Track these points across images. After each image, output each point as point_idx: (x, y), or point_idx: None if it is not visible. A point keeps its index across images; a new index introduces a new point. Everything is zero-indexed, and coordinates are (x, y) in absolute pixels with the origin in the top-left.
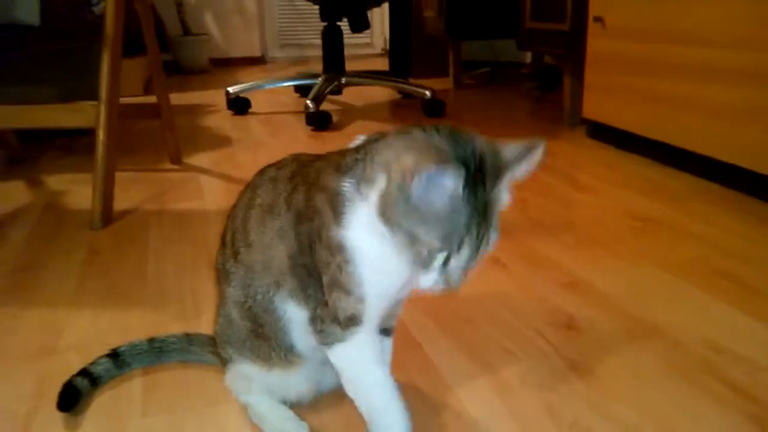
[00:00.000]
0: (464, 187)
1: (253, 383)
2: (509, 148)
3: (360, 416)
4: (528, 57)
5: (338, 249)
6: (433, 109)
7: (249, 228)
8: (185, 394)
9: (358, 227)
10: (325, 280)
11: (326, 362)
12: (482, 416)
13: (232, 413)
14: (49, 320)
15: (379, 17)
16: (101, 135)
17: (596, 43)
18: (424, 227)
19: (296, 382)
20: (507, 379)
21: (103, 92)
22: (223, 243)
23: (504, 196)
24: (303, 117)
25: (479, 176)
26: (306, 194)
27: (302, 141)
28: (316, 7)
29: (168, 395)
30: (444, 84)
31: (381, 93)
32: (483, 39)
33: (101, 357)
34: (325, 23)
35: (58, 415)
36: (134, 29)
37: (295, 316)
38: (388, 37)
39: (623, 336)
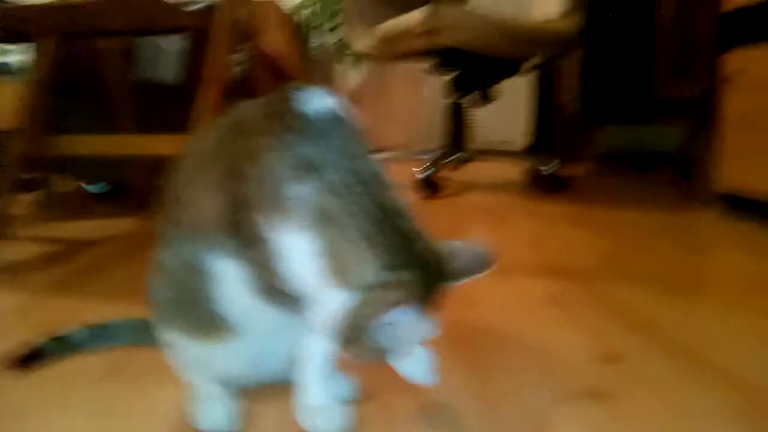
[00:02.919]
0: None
1: (182, 358)
2: (456, 254)
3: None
4: (671, 145)
5: None
6: (553, 186)
7: (188, 183)
8: (150, 369)
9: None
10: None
11: (270, 340)
12: None
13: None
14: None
15: (524, 114)
16: None
17: (734, 101)
18: None
19: (226, 358)
20: (500, 393)
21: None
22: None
23: None
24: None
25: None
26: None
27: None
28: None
29: (132, 368)
30: (582, 171)
31: (505, 172)
32: (623, 124)
33: (84, 326)
34: (451, 99)
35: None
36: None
37: (227, 274)
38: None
39: (672, 371)
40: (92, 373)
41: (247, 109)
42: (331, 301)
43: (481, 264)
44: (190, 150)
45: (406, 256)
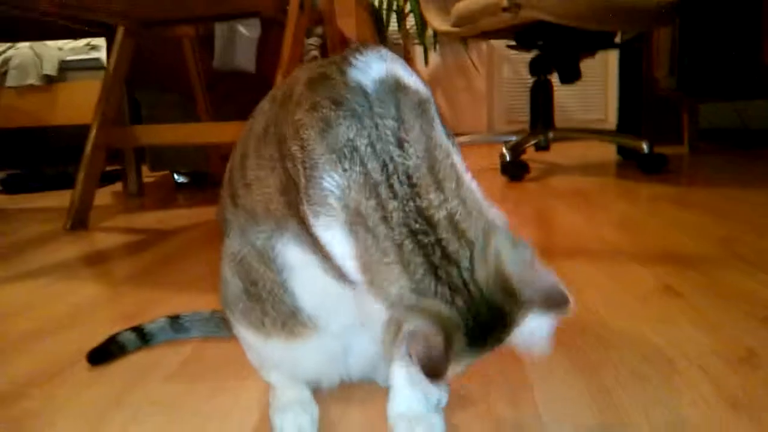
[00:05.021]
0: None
1: (262, 357)
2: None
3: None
4: None
5: None
6: (652, 166)
7: (246, 165)
8: (217, 366)
9: None
10: None
11: (353, 335)
12: None
13: (252, 389)
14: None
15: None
16: None
17: None
18: None
19: (304, 357)
20: (626, 404)
21: None
22: (222, 188)
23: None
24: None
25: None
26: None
27: (496, 190)
28: None
29: (200, 366)
30: (677, 150)
31: (596, 151)
32: (724, 100)
33: (162, 318)
34: (534, 77)
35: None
36: None
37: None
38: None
39: None
40: (166, 368)
41: (301, 72)
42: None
43: (551, 305)
44: (250, 125)
45: (442, 282)
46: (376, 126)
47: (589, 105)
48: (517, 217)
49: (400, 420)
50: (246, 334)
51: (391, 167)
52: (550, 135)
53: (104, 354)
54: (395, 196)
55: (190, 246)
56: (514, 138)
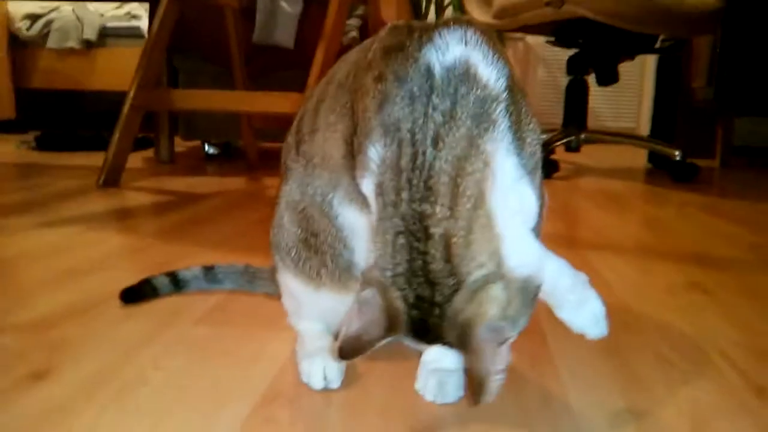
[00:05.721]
0: None
1: (302, 305)
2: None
3: (407, 378)
4: None
5: None
6: (684, 174)
7: (319, 109)
8: (245, 316)
9: None
10: None
11: None
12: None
13: (277, 339)
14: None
15: (649, 99)
16: None
17: None
18: None
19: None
20: (651, 386)
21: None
22: (290, 132)
23: None
24: None
25: None
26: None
27: None
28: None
29: (229, 314)
30: (708, 164)
31: (626, 157)
32: (761, 115)
33: (196, 267)
34: (571, 76)
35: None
36: None
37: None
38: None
39: None
40: (196, 312)
41: (385, 32)
42: None
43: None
44: (333, 72)
45: (413, 289)
46: (425, 114)
47: (622, 113)
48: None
49: (431, 375)
50: (293, 280)
51: (419, 161)
52: (582, 136)
53: (137, 294)
54: (409, 190)
55: (219, 209)
56: (545, 136)
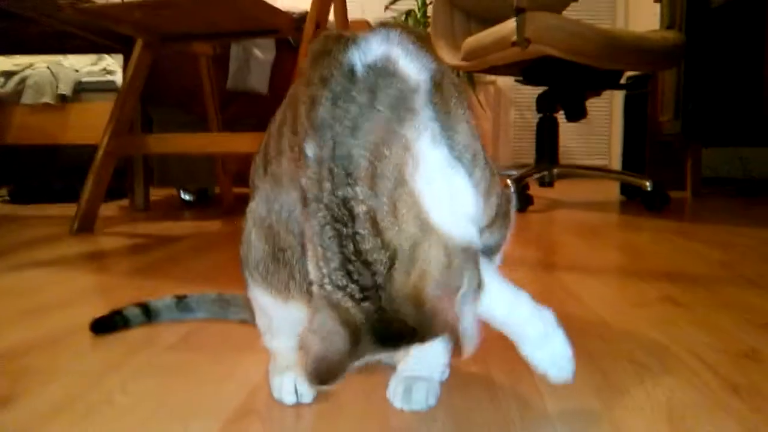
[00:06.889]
0: None
1: (273, 319)
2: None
3: (381, 389)
4: None
5: None
6: (656, 203)
7: (282, 132)
8: (218, 341)
9: None
10: None
11: None
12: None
13: (250, 361)
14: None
15: (618, 136)
16: None
17: None
18: None
19: None
20: (627, 390)
21: None
22: (258, 152)
23: None
24: None
25: None
26: None
27: None
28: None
29: (201, 339)
30: (680, 195)
31: (599, 191)
32: (727, 146)
33: (168, 296)
34: (541, 114)
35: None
36: None
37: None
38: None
39: None
40: (167, 339)
41: (316, 42)
42: None
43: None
44: (285, 100)
45: (353, 279)
46: (347, 110)
47: (594, 150)
48: (518, 240)
49: (400, 382)
50: (263, 295)
51: (338, 151)
52: (555, 171)
53: (108, 325)
54: (331, 180)
55: (194, 248)
56: (516, 172)
